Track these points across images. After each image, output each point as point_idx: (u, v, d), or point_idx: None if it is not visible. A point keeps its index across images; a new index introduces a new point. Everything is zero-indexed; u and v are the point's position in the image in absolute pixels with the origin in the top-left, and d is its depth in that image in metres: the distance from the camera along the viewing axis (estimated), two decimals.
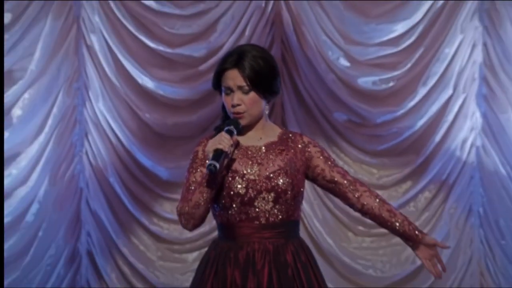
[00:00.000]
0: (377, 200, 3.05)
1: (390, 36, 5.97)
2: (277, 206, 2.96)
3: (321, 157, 3.06)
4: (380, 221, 3.05)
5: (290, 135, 3.09)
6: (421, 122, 6.01)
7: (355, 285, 6.06)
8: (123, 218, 6.07)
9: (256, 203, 2.94)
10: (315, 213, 6.08)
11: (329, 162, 3.06)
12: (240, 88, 2.96)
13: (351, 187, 3.04)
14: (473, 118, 6.01)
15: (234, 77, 2.96)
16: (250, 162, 2.98)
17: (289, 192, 2.96)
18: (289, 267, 2.95)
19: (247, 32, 5.96)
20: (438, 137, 6.00)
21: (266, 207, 2.95)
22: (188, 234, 6.02)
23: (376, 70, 5.99)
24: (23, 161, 5.73)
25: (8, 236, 5.64)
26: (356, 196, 3.04)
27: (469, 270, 6.04)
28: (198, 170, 2.98)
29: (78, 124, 6.01)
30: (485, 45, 5.94)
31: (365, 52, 5.98)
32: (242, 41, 5.86)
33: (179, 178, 5.89)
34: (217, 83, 3.02)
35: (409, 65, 5.97)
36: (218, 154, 2.84)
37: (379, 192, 3.13)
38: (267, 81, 2.98)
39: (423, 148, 6.04)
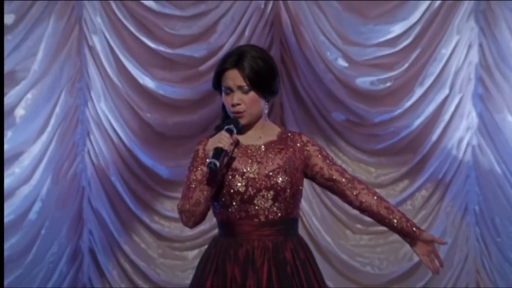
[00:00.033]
0: (375, 197, 3.05)
1: (387, 37, 5.98)
2: (276, 204, 2.96)
3: (319, 156, 3.06)
4: (378, 218, 3.06)
5: (289, 134, 3.09)
6: (418, 122, 6.02)
7: (353, 282, 6.06)
8: (125, 216, 6.07)
9: (255, 201, 2.95)
10: (313, 211, 6.09)
11: (328, 161, 3.06)
12: (240, 88, 2.97)
13: (349, 185, 3.05)
14: (469, 118, 6.02)
15: (234, 77, 2.97)
16: (250, 161, 2.98)
17: (288, 190, 2.96)
18: (288, 264, 2.96)
19: (246, 33, 5.97)
20: (434, 137, 6.01)
21: (266, 205, 2.95)
22: (188, 232, 6.04)
23: (373, 70, 6.00)
24: (26, 160, 5.73)
25: (11, 234, 5.64)
26: (355, 193, 3.05)
27: (465, 267, 6.04)
28: (199, 168, 2.99)
29: (80, 124, 6.01)
30: (481, 45, 5.95)
31: (363, 52, 5.98)
32: (242, 42, 5.87)
33: (179, 177, 5.90)
34: (217, 83, 3.02)
35: (406, 65, 5.98)
36: (218, 152, 2.85)
37: (377, 191, 3.13)
38: (266, 81, 2.99)
39: (420, 147, 6.04)
